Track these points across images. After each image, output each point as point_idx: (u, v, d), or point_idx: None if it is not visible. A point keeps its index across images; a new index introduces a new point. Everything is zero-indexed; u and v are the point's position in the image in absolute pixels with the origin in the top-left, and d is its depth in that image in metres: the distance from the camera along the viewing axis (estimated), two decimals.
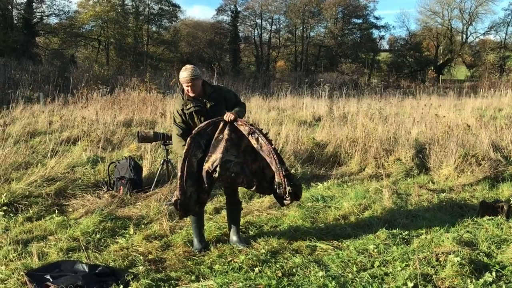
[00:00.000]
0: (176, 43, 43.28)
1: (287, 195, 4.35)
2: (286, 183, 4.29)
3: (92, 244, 4.62)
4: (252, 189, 4.41)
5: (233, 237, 4.69)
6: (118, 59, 40.12)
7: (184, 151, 4.24)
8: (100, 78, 20.82)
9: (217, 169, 4.12)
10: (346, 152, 8.66)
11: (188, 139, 4.29)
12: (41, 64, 26.91)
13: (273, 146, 4.32)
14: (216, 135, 4.33)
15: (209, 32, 44.31)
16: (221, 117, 4.39)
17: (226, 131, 4.32)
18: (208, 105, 4.47)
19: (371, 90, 22.97)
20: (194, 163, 4.27)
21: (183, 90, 4.54)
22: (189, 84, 4.41)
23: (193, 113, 4.46)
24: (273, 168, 4.31)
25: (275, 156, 4.29)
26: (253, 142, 4.36)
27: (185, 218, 5.30)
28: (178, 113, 4.52)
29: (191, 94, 4.47)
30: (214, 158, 4.19)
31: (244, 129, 4.37)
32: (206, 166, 4.20)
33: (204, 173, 4.20)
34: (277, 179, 4.32)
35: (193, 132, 4.34)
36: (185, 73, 4.40)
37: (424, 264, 4.04)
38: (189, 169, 4.23)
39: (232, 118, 4.36)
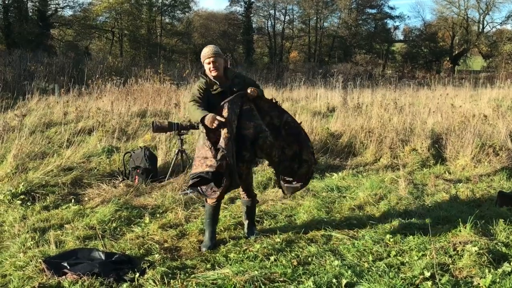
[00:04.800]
0: (189, 35, 43.18)
1: (309, 175, 4.48)
2: (313, 160, 4.46)
3: (108, 232, 4.66)
4: (274, 166, 4.44)
5: (246, 230, 4.68)
6: (131, 51, 40.20)
7: (226, 115, 3.95)
8: (114, 70, 20.90)
9: (260, 135, 4.08)
10: (361, 142, 8.59)
11: (225, 104, 4.03)
12: (56, 56, 26.98)
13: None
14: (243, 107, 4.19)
15: (222, 23, 44.14)
16: (244, 92, 4.21)
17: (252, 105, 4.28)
18: (235, 89, 4.24)
19: (386, 80, 22.72)
20: (234, 129, 4.02)
21: (205, 73, 4.30)
22: (211, 59, 4.18)
23: (219, 94, 4.20)
24: (298, 146, 4.41)
25: (303, 132, 4.49)
26: (276, 120, 4.39)
27: (200, 208, 5.33)
28: (200, 90, 4.20)
29: (213, 73, 4.21)
30: (254, 125, 4.11)
31: (268, 106, 4.40)
32: (246, 132, 4.07)
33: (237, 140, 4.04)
34: (304, 156, 4.39)
35: (225, 100, 4.06)
36: (207, 49, 4.24)
37: (441, 254, 4.01)
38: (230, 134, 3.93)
39: (255, 94, 4.27)
